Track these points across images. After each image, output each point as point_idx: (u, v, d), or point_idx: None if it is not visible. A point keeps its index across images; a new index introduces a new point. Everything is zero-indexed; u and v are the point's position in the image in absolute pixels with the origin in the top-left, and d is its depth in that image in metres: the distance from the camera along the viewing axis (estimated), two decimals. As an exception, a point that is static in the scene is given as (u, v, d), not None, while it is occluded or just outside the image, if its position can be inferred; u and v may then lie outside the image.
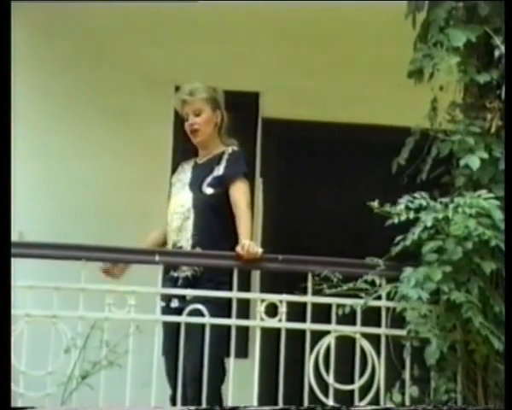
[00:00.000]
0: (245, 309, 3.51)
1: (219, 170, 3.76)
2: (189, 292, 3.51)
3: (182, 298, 3.54)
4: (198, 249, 3.66)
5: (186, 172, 3.87)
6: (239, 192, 3.70)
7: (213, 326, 3.33)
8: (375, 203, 3.25)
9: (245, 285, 3.65)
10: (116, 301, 3.30)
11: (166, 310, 3.55)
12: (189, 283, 3.61)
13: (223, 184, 3.72)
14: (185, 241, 3.69)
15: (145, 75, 4.89)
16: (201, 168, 3.82)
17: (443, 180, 3.48)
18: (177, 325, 3.36)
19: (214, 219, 3.68)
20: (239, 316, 3.35)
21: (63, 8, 4.77)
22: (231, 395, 3.32)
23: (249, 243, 3.47)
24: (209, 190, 3.72)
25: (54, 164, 4.85)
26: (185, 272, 3.62)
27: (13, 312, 3.30)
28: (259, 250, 3.47)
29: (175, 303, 3.58)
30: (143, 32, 4.93)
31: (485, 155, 3.34)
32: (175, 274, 3.65)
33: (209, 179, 3.75)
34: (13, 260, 3.29)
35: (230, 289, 3.41)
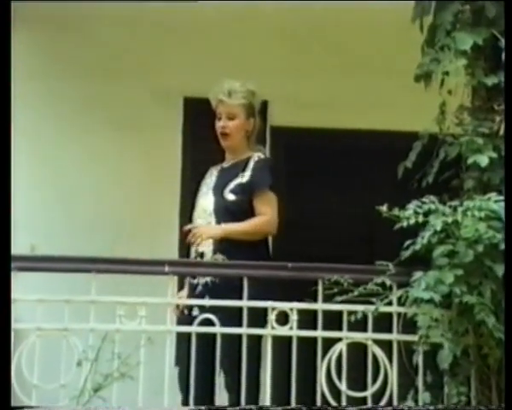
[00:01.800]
0: (261, 317, 3.47)
1: (244, 177, 3.72)
2: (202, 302, 3.50)
3: (201, 306, 3.50)
4: (219, 255, 3.63)
5: (212, 177, 3.84)
6: (263, 204, 3.66)
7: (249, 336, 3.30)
8: (384, 207, 3.24)
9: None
10: (127, 312, 3.29)
11: (188, 318, 3.53)
12: (209, 289, 3.59)
13: (246, 192, 3.68)
14: (207, 246, 3.67)
15: (154, 86, 4.91)
16: (226, 173, 3.79)
17: (452, 184, 3.47)
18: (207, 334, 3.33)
19: None
20: (259, 325, 3.33)
21: (73, 19, 4.80)
22: (244, 403, 3.31)
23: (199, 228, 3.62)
24: (231, 197, 3.69)
25: (64, 177, 4.87)
26: (205, 277, 3.60)
27: (24, 326, 3.33)
28: (205, 235, 3.59)
29: (196, 312, 3.54)
30: (152, 44, 4.95)
31: (494, 155, 3.33)
32: (194, 281, 3.63)
33: (232, 185, 3.71)
34: (24, 273, 3.32)
35: (253, 293, 3.35)
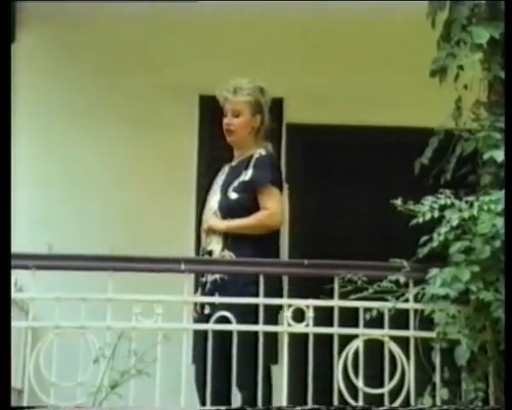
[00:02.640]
0: (274, 315, 3.49)
1: (246, 175, 3.73)
2: (216, 299, 3.49)
3: (212, 304, 3.52)
4: (226, 253, 3.66)
5: (223, 175, 3.87)
6: (265, 199, 3.68)
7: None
8: (399, 201, 3.23)
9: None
10: (143, 310, 3.30)
11: (201, 317, 3.55)
12: (218, 286, 3.60)
13: (248, 190, 3.70)
14: (214, 244, 3.69)
15: (169, 84, 4.92)
16: (233, 171, 3.82)
17: (469, 180, 3.45)
18: (218, 332, 3.34)
19: None
20: (268, 322, 3.33)
21: (84, 13, 4.82)
22: (260, 401, 3.31)
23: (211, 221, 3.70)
24: (233, 195, 3.71)
25: (79, 174, 4.89)
26: (214, 275, 3.62)
27: (42, 324, 3.36)
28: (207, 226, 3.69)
29: (207, 310, 3.56)
30: (167, 41, 4.96)
31: (511, 150, 3.30)
32: (203, 279, 3.64)
33: (235, 184, 3.73)
34: (41, 272, 3.34)
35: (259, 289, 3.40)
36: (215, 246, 3.69)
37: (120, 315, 3.32)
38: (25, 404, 3.21)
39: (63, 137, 4.92)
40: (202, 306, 3.60)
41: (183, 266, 3.38)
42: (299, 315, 3.34)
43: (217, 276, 3.62)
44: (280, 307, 3.40)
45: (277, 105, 4.98)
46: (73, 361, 3.25)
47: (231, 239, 3.66)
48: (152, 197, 4.81)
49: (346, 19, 4.75)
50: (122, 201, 4.82)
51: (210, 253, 3.71)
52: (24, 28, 4.48)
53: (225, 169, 3.89)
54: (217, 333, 3.34)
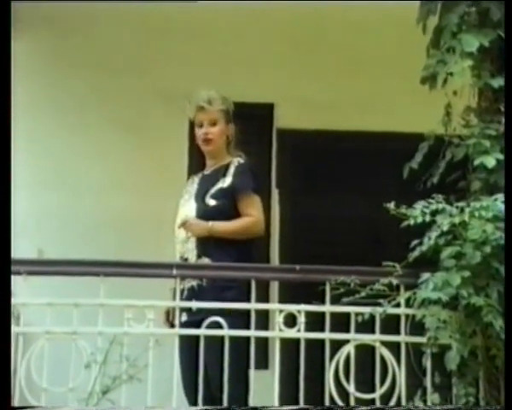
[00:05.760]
0: (264, 320, 3.50)
1: (224, 182, 3.75)
2: (210, 305, 3.47)
3: (189, 310, 3.53)
4: (204, 259, 3.67)
5: (194, 184, 3.90)
6: (248, 206, 3.70)
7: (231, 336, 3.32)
8: (391, 205, 3.25)
9: (263, 296, 3.65)
10: (135, 315, 3.30)
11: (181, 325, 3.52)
12: (195, 293, 3.61)
13: (228, 197, 3.72)
14: (190, 252, 3.71)
15: (159, 87, 4.93)
16: (207, 179, 3.84)
17: (459, 185, 3.47)
18: (190, 338, 3.35)
19: None
20: (258, 327, 3.34)
21: (76, 18, 4.83)
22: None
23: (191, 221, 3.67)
24: (212, 202, 3.73)
25: (69, 180, 4.89)
26: (190, 282, 3.63)
27: (33, 329, 3.35)
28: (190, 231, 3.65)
29: (184, 317, 3.56)
30: (157, 44, 4.97)
31: (501, 157, 3.33)
32: (181, 286, 3.61)
33: (213, 190, 3.75)
34: (33, 277, 3.33)
35: (237, 294, 3.43)
36: (190, 254, 3.71)
37: (112, 320, 3.32)
38: (15, 409, 3.20)
39: (53, 141, 4.92)
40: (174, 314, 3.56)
41: (174, 272, 3.39)
42: (290, 320, 3.35)
43: (193, 283, 3.63)
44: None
45: (268, 110, 5.03)
46: (65, 367, 3.24)
47: (207, 246, 3.67)
48: (142, 202, 4.81)
49: (337, 25, 4.78)
50: (112, 205, 4.82)
51: (186, 260, 3.72)
52: (15, 32, 4.48)
53: (195, 179, 3.93)
54: (184, 338, 3.37)
